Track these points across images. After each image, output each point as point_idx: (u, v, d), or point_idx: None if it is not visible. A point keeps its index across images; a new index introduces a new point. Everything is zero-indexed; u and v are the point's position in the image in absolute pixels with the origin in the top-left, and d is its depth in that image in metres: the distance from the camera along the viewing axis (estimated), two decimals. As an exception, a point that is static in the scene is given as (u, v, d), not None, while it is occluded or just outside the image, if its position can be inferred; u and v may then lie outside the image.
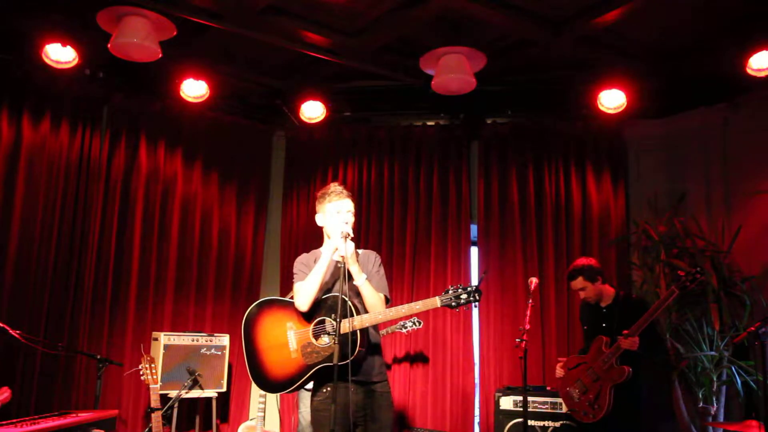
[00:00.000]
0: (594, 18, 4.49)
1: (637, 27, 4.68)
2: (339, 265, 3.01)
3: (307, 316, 3.16)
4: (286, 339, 3.19)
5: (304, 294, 3.11)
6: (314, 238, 5.60)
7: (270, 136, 6.31)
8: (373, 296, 3.13)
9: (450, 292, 3.06)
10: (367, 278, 3.13)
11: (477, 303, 3.06)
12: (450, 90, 5.02)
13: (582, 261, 4.38)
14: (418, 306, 3.07)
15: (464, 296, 3.04)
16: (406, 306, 3.08)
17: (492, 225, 5.66)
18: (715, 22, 4.61)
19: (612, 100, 5.27)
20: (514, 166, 5.70)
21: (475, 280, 5.68)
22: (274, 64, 5.48)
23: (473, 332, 5.59)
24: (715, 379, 4.77)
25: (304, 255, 3.35)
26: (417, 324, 5.10)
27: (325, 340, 3.10)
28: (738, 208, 5.22)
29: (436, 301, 3.05)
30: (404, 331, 5.10)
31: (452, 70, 4.82)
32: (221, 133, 5.94)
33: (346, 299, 2.98)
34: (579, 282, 4.31)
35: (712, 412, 4.76)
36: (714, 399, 4.77)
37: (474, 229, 5.78)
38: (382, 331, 4.90)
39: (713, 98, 5.34)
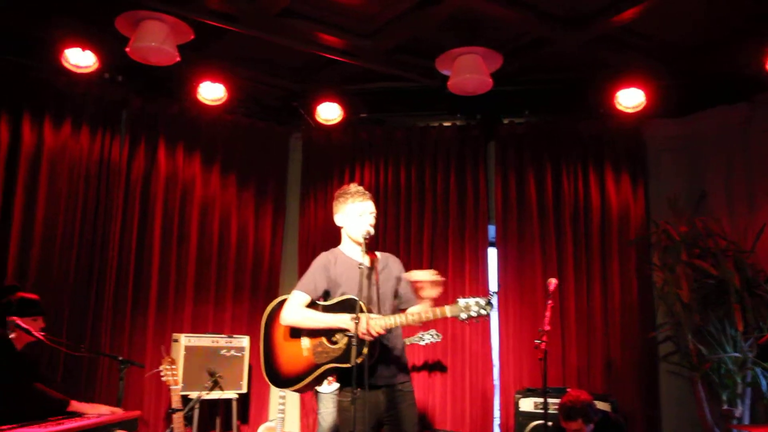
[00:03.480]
0: (612, 16, 4.44)
1: (655, 25, 4.63)
2: (360, 267, 2.99)
3: None
4: (300, 337, 3.20)
5: (294, 322, 3.12)
6: (331, 238, 5.63)
7: (287, 137, 6.33)
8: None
9: (460, 302, 2.98)
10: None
11: (488, 315, 2.98)
12: (466, 90, 5.01)
13: (580, 397, 3.92)
14: (429, 314, 3.02)
15: (474, 309, 2.96)
16: (416, 314, 3.04)
17: (510, 226, 5.63)
18: (733, 19, 4.55)
19: (630, 99, 5.22)
20: (531, 167, 5.66)
21: (493, 281, 5.65)
22: (290, 66, 5.50)
23: (492, 333, 5.56)
24: (739, 380, 4.71)
25: (324, 255, 3.30)
26: (436, 337, 5.09)
27: (335, 341, 3.10)
28: (761, 207, 5.14)
29: (446, 311, 2.99)
30: (422, 343, 5.11)
31: (468, 71, 4.80)
32: (239, 136, 5.97)
33: (362, 304, 2.95)
34: (577, 424, 3.84)
35: (737, 415, 4.69)
36: (738, 401, 4.70)
37: (492, 230, 5.75)
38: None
39: (733, 97, 5.27)
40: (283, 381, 3.23)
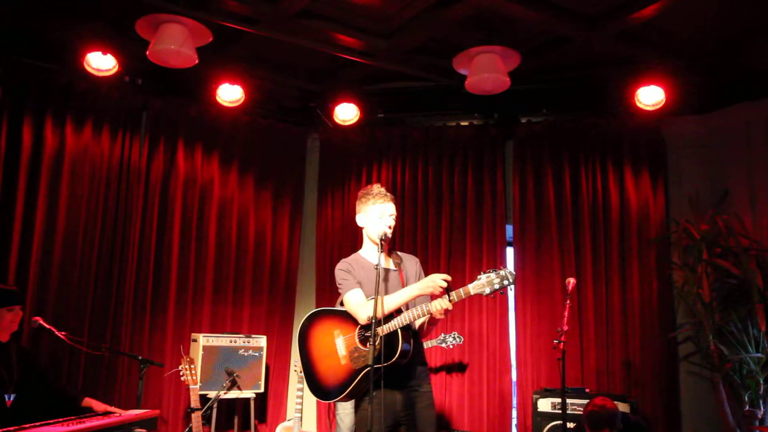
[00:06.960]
0: (631, 13, 4.40)
1: (675, 21, 4.58)
2: (376, 268, 2.99)
3: (352, 322, 3.18)
4: (335, 347, 3.22)
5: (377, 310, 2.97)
6: (349, 238, 5.71)
7: (304, 138, 6.36)
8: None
9: (482, 278, 2.94)
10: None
11: (512, 284, 2.94)
12: (484, 90, 4.99)
13: (607, 406, 3.86)
14: (453, 296, 2.97)
15: (497, 281, 2.92)
16: (441, 299, 3.00)
17: (528, 225, 5.60)
18: (756, 14, 4.48)
19: (650, 96, 5.16)
20: (549, 166, 5.62)
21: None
22: (307, 67, 5.53)
23: (510, 333, 5.54)
24: (761, 381, 4.64)
25: (345, 263, 3.30)
26: (458, 339, 5.10)
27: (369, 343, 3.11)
28: (785, 205, 5.06)
29: (470, 289, 2.96)
30: (444, 346, 5.11)
31: (486, 70, 4.78)
32: (257, 137, 6.01)
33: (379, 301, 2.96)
34: None
35: (759, 416, 4.63)
36: (761, 402, 4.64)
37: (509, 230, 5.73)
38: (425, 343, 4.85)
39: (757, 93, 5.18)
40: (330, 393, 3.23)
